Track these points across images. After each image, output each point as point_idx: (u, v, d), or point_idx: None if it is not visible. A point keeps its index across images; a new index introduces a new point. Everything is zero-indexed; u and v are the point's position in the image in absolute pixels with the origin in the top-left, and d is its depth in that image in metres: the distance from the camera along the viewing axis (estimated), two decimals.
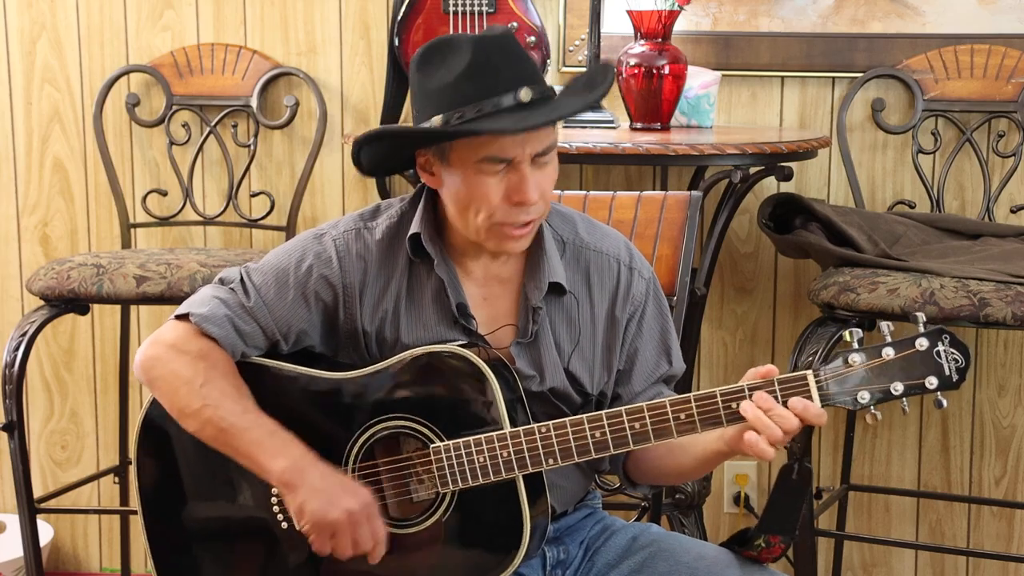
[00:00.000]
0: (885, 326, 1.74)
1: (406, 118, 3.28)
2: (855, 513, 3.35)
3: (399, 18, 3.14)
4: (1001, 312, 2.52)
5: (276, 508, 1.93)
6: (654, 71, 2.93)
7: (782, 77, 3.25)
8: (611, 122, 2.98)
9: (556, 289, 1.94)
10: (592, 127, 2.96)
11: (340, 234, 1.95)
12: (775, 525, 1.88)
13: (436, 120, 1.80)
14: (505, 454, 1.83)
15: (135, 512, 3.31)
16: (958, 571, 3.35)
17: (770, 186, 3.15)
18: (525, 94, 1.79)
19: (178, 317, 1.94)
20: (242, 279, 1.95)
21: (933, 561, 3.35)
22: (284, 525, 1.92)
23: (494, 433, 1.83)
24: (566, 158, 2.66)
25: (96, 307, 3.35)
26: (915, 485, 3.32)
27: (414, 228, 1.92)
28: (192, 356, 1.89)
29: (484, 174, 1.82)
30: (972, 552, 3.27)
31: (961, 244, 2.94)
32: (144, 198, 3.39)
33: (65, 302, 2.89)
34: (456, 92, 1.80)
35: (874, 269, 2.72)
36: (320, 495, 1.81)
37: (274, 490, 1.92)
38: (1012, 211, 3.19)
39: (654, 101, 2.95)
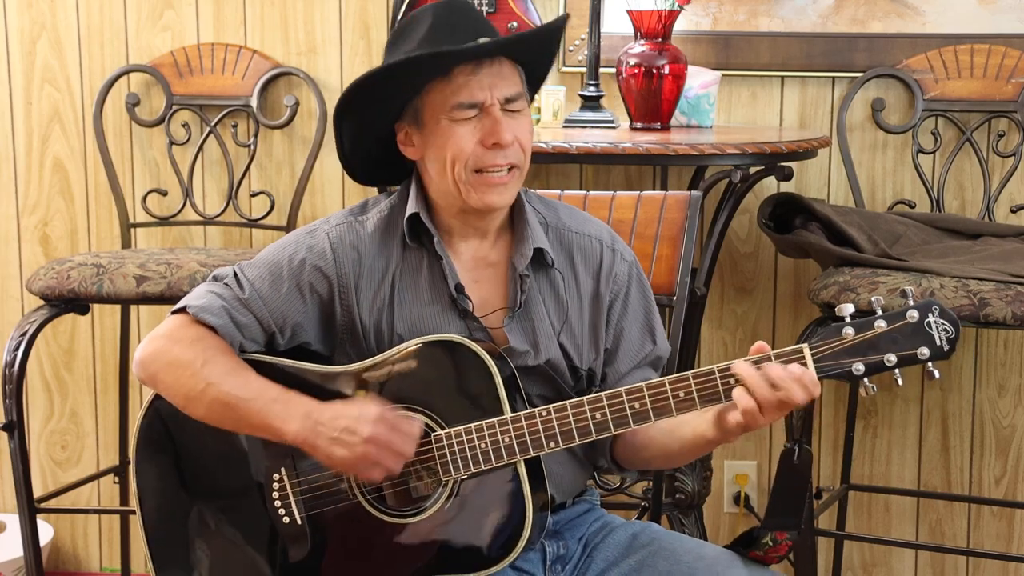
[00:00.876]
0: (875, 300, 1.78)
1: None
2: (855, 513, 3.35)
3: (399, 18, 3.14)
4: (1001, 312, 2.52)
5: (277, 503, 1.93)
6: (654, 71, 2.93)
7: (782, 77, 3.25)
8: (611, 122, 2.98)
9: (542, 260, 1.97)
10: (592, 127, 2.96)
11: (332, 227, 1.98)
12: (780, 518, 1.88)
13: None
14: (507, 439, 1.84)
15: (135, 512, 3.33)
16: (958, 571, 3.35)
17: (770, 186, 3.15)
18: (483, 40, 1.85)
19: (174, 312, 1.96)
20: (236, 274, 1.98)
21: (933, 561, 3.35)
22: (286, 520, 1.93)
23: (495, 419, 1.84)
24: (566, 158, 2.66)
25: (96, 307, 3.35)
26: (915, 485, 3.32)
27: (411, 209, 1.95)
28: (189, 341, 1.91)
29: (457, 123, 1.88)
30: (972, 552, 3.27)
31: (961, 244, 2.94)
32: (144, 198, 3.39)
33: (65, 302, 2.89)
34: (418, 50, 1.87)
35: (874, 269, 2.72)
36: (337, 443, 1.83)
37: (275, 485, 1.92)
38: (1012, 211, 3.19)
39: (654, 101, 2.95)
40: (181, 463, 1.99)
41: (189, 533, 1.99)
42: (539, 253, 1.97)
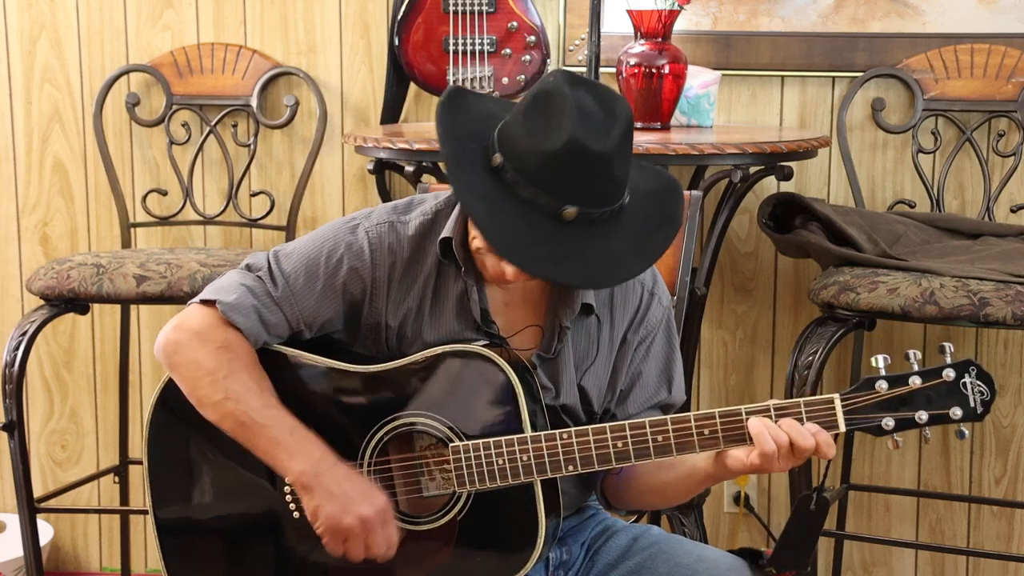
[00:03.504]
0: (912, 354, 1.75)
1: (406, 117, 3.28)
2: (855, 513, 3.35)
3: (399, 18, 3.14)
4: (1001, 312, 2.51)
5: (288, 497, 1.92)
6: (654, 71, 2.93)
7: (782, 77, 3.25)
8: None
9: (585, 309, 1.93)
10: None
11: (373, 226, 1.94)
12: (789, 559, 1.87)
13: (496, 157, 1.75)
14: (525, 458, 1.82)
15: (135, 511, 3.34)
16: (958, 571, 3.35)
17: (770, 186, 3.15)
18: (569, 213, 1.72)
19: (203, 302, 1.93)
20: (270, 266, 1.94)
21: (933, 561, 3.35)
22: (296, 515, 1.92)
23: (515, 436, 1.83)
24: None
25: (96, 307, 3.35)
26: (915, 485, 3.32)
27: (446, 232, 1.91)
28: (216, 346, 1.88)
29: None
30: (972, 552, 3.27)
31: (961, 244, 2.94)
32: (144, 198, 3.39)
33: (65, 302, 2.88)
34: (524, 157, 1.73)
35: (874, 268, 2.72)
36: (335, 500, 1.82)
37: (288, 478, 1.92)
38: (1012, 211, 3.19)
39: (654, 100, 2.94)
40: (192, 454, 1.99)
41: (200, 524, 1.99)
42: (585, 306, 1.92)
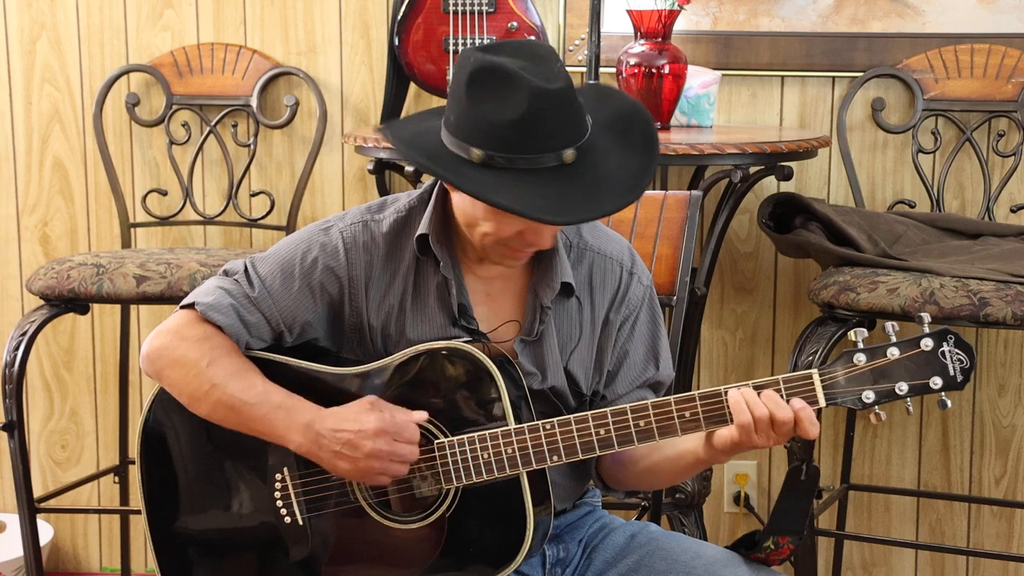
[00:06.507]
0: (890, 326, 1.75)
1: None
2: (855, 513, 3.35)
3: (399, 18, 3.14)
4: (1001, 312, 2.51)
5: (279, 502, 1.93)
6: (654, 71, 2.93)
7: (782, 77, 3.25)
8: None
9: (565, 290, 1.94)
10: None
11: (347, 226, 1.95)
12: (783, 526, 1.88)
13: (476, 153, 1.75)
14: (509, 450, 1.83)
15: (135, 512, 3.34)
16: (958, 571, 3.35)
17: (770, 186, 3.15)
18: (569, 155, 1.75)
19: (183, 307, 1.94)
20: (246, 270, 1.95)
21: (933, 561, 3.35)
22: (287, 520, 1.93)
23: (499, 429, 1.84)
24: None
25: (96, 307, 3.35)
26: (915, 485, 3.32)
27: (422, 229, 1.91)
28: (195, 339, 1.89)
29: (499, 214, 1.80)
30: (972, 552, 3.27)
31: (961, 244, 2.94)
32: (144, 198, 3.39)
33: (65, 302, 2.89)
34: (502, 134, 1.74)
35: (874, 269, 2.72)
36: (342, 457, 1.83)
37: (277, 484, 1.93)
38: (1012, 211, 3.19)
39: (654, 101, 2.95)
40: (184, 459, 1.99)
41: (192, 529, 1.99)
42: (565, 285, 1.94)
